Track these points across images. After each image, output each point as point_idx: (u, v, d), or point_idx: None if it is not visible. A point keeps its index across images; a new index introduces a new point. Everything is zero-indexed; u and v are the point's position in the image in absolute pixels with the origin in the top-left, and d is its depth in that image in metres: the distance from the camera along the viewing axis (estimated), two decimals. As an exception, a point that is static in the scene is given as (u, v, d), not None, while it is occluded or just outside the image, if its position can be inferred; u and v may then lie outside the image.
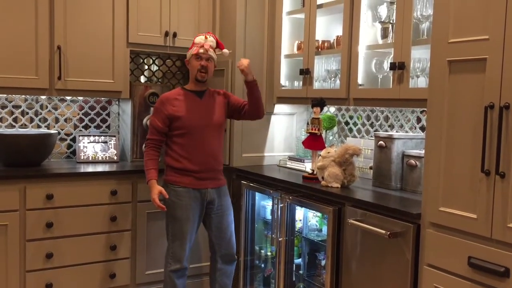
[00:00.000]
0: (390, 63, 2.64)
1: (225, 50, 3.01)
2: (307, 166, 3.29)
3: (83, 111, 3.72)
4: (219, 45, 2.98)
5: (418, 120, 2.98)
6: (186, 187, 2.86)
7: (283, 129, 3.72)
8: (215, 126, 2.93)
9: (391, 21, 2.77)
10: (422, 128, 2.92)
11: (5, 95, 3.41)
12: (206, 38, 2.91)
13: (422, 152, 2.57)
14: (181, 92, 2.96)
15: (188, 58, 2.95)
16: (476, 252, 1.93)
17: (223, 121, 3.00)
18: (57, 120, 3.64)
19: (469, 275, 1.95)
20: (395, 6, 2.65)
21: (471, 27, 1.94)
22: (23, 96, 3.49)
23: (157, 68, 3.98)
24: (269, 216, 3.30)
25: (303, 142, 3.08)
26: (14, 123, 3.51)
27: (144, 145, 2.97)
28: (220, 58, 3.62)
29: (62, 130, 3.66)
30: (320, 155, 2.90)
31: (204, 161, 2.88)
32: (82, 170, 3.20)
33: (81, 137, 3.56)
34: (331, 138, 3.56)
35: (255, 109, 3.00)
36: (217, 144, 2.95)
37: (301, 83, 3.32)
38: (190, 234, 2.88)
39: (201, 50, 2.88)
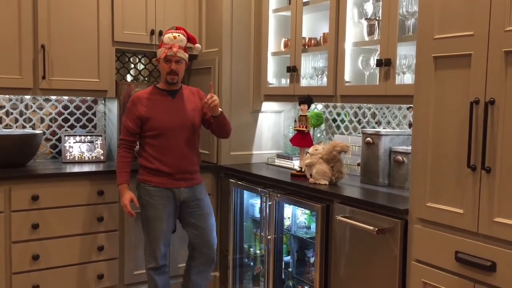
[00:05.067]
0: (377, 59, 2.64)
1: (197, 45, 2.94)
2: (295, 164, 3.29)
3: (68, 111, 3.68)
4: (190, 40, 2.88)
5: (404, 116, 2.99)
6: (157, 186, 2.81)
7: (271, 127, 3.71)
8: (188, 127, 2.85)
9: (377, 18, 2.77)
10: (409, 125, 2.93)
11: (-11, 95, 3.37)
12: (175, 37, 2.77)
13: (409, 148, 2.58)
14: (153, 91, 2.88)
15: (157, 58, 2.84)
16: (463, 246, 1.94)
17: (197, 122, 2.91)
18: (42, 120, 3.60)
19: (457, 269, 1.96)
20: (381, 3, 2.65)
21: (456, 23, 1.95)
22: (7, 96, 3.44)
23: (143, 66, 3.95)
24: (257, 214, 3.29)
25: (291, 140, 3.08)
26: (-2, 124, 3.47)
27: (117, 145, 2.91)
28: (207, 57, 3.62)
29: (47, 130, 3.62)
30: (308, 152, 2.90)
31: (177, 162, 2.82)
32: (68, 171, 3.17)
33: (66, 137, 3.52)
34: (318, 135, 3.56)
35: (223, 134, 2.99)
36: (191, 144, 2.88)
37: (288, 80, 3.31)
38: (164, 232, 2.84)
39: (170, 53, 2.75)
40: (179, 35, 2.79)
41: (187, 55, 2.85)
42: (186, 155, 2.86)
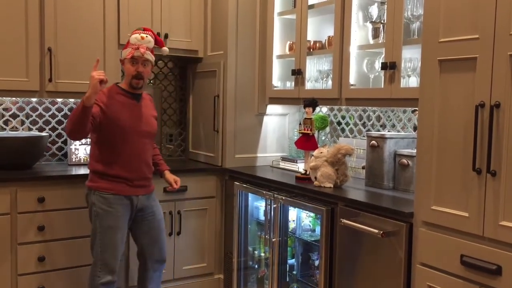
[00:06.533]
0: (382, 63, 2.65)
1: (165, 48, 2.88)
2: (300, 167, 3.29)
3: (74, 113, 3.69)
4: (158, 43, 2.79)
5: (409, 119, 2.99)
6: (117, 194, 2.68)
7: (276, 130, 3.72)
8: (150, 133, 2.81)
9: (382, 21, 2.78)
10: (414, 128, 2.93)
11: (-5, 97, 3.39)
12: (142, 38, 2.66)
13: (414, 151, 2.58)
14: (116, 90, 2.74)
15: (122, 58, 2.73)
16: (468, 250, 1.93)
17: (156, 129, 2.89)
18: (48, 123, 3.62)
19: (462, 273, 1.96)
20: (386, 6, 2.65)
21: (461, 26, 1.95)
22: (14, 98, 3.47)
23: (149, 69, 3.96)
24: (262, 217, 3.29)
25: (296, 143, 3.08)
26: (5, 126, 3.48)
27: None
28: (212, 59, 3.63)
29: (53, 132, 3.63)
30: (312, 155, 2.90)
31: (138, 168, 2.73)
32: (73, 173, 3.19)
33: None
34: (323, 138, 3.56)
35: None
36: (150, 151, 2.85)
37: (293, 83, 3.32)
38: (121, 243, 2.74)
39: (137, 54, 2.63)
40: (147, 36, 2.69)
41: (154, 58, 2.77)
42: (146, 161, 2.80)
